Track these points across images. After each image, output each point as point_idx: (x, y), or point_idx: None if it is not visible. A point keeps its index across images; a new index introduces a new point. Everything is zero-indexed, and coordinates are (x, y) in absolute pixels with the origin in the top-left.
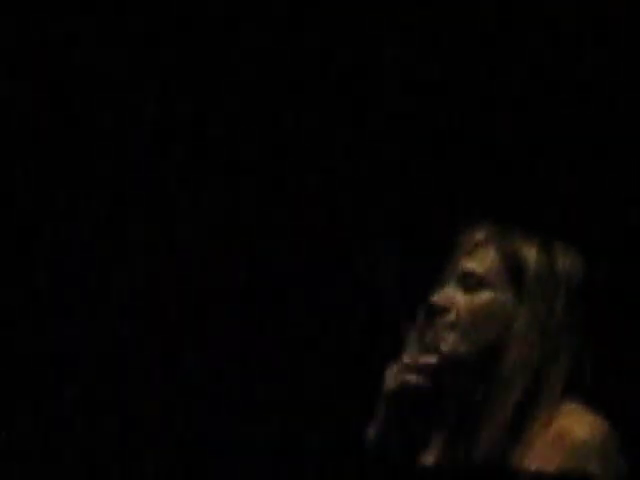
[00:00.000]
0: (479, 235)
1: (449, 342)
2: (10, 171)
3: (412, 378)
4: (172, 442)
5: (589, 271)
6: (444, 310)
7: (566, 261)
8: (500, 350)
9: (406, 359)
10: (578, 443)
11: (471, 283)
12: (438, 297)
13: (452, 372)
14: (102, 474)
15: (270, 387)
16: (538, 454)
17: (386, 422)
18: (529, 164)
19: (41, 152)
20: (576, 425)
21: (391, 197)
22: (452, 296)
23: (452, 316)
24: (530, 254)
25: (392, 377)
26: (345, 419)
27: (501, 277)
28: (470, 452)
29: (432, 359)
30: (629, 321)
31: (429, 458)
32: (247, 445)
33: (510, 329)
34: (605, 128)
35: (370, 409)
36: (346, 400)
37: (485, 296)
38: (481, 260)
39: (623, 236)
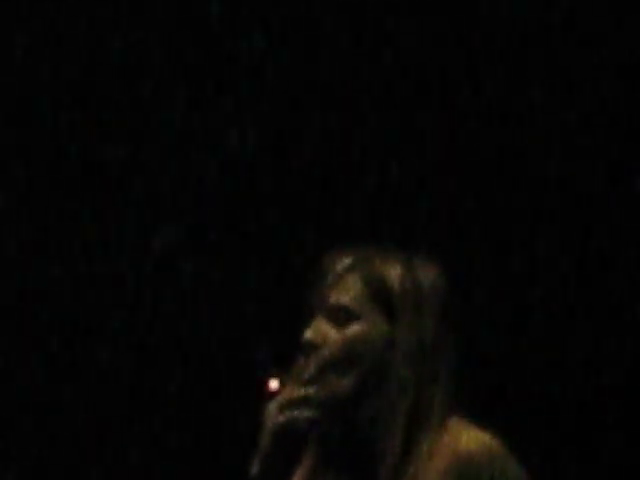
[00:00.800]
0: (340, 265)
1: (327, 380)
2: None
3: (301, 411)
4: None
5: (449, 281)
6: (318, 347)
7: (429, 275)
8: (381, 378)
9: (288, 394)
10: (468, 459)
11: (340, 317)
12: (310, 334)
13: (333, 410)
14: None
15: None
16: (429, 473)
17: (271, 457)
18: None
19: None
20: (464, 442)
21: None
22: (324, 332)
23: (326, 352)
24: (394, 275)
25: (276, 413)
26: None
27: (369, 305)
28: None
29: (313, 390)
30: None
31: None
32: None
33: (387, 355)
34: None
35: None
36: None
37: (356, 328)
38: (346, 291)
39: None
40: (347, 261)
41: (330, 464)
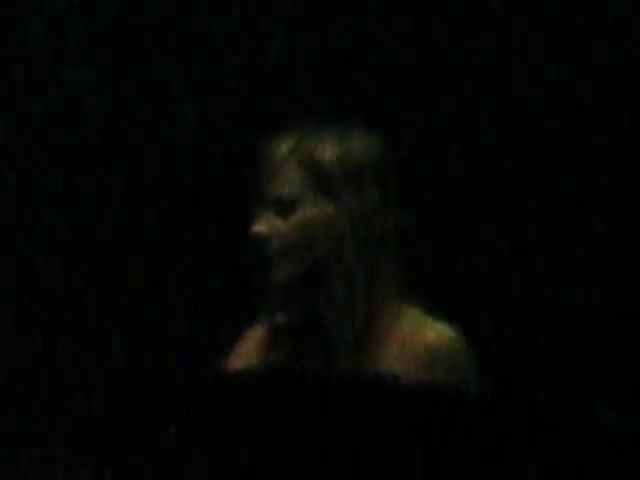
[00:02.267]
0: (277, 152)
1: (281, 267)
2: None
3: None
4: None
5: (392, 150)
6: (269, 239)
7: (366, 148)
8: (333, 261)
9: None
10: (424, 350)
11: (285, 208)
12: (259, 226)
13: (293, 297)
14: None
15: None
16: (386, 361)
17: None
18: None
19: None
20: (421, 332)
21: None
22: (272, 224)
23: (277, 244)
24: (330, 154)
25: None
26: None
27: (311, 190)
28: (324, 357)
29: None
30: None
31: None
32: None
33: (338, 237)
34: None
35: None
36: None
37: (301, 216)
38: (286, 181)
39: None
40: (283, 148)
41: (283, 343)
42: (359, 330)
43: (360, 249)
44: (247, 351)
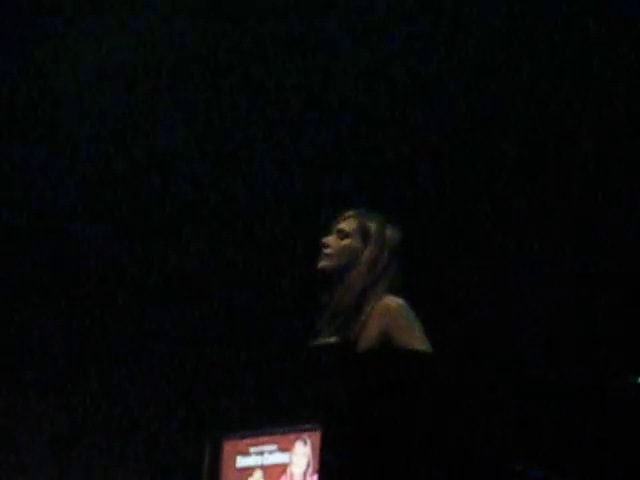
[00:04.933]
0: (349, 213)
1: (324, 261)
2: None
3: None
4: None
5: (404, 237)
6: (326, 246)
7: (391, 231)
8: (351, 269)
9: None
10: (391, 310)
11: (341, 235)
12: (324, 239)
13: (327, 280)
14: None
15: None
16: (371, 325)
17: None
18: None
19: None
20: (388, 302)
21: None
22: (331, 241)
23: (329, 250)
24: (372, 224)
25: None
26: None
27: (356, 233)
28: (345, 331)
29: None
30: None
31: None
32: None
33: (358, 258)
34: None
35: None
36: None
37: (347, 241)
38: (348, 224)
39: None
40: (351, 212)
41: (327, 317)
42: (356, 303)
43: (368, 266)
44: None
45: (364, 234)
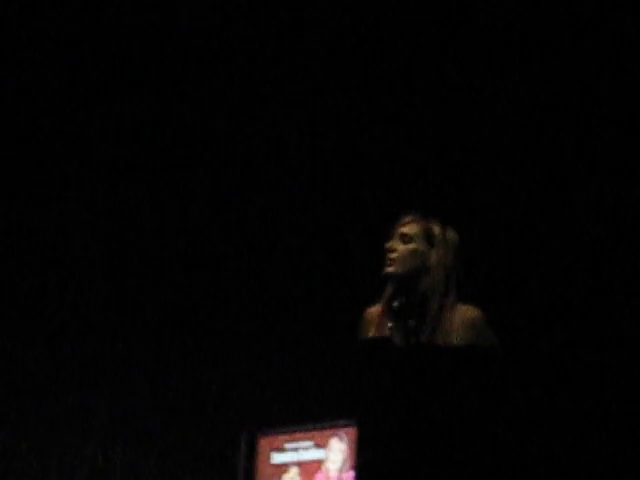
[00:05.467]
0: (409, 217)
1: (393, 267)
2: None
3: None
4: None
5: (462, 239)
6: (392, 251)
7: (451, 233)
8: (421, 273)
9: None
10: (476, 322)
11: (405, 239)
12: (390, 245)
13: (398, 285)
14: None
15: None
16: (455, 334)
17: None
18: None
19: None
20: (471, 313)
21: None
22: (395, 245)
23: (395, 254)
24: (435, 227)
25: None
26: None
27: (420, 237)
28: (418, 335)
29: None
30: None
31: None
32: None
33: (426, 262)
34: None
35: None
36: None
37: (412, 245)
38: (410, 228)
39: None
40: (412, 217)
41: (399, 320)
42: (439, 306)
43: (440, 271)
44: (367, 325)
45: (428, 237)
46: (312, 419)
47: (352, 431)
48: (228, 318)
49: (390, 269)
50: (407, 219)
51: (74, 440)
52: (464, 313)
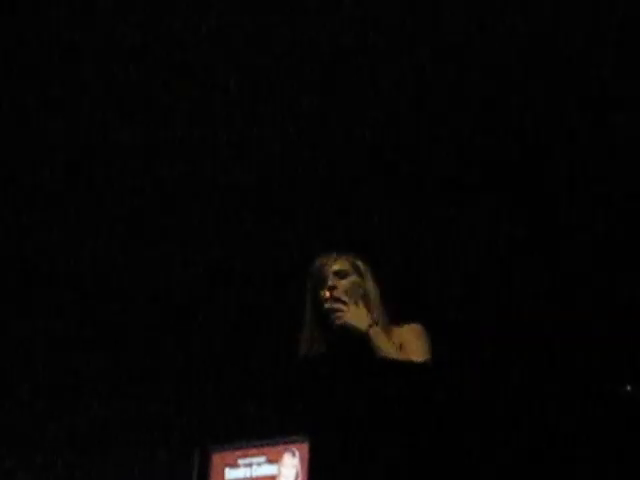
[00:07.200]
0: (332, 256)
1: (343, 314)
2: None
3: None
4: None
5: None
6: (335, 288)
7: (367, 265)
8: (366, 298)
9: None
10: (422, 331)
11: (342, 275)
12: (331, 283)
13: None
14: None
15: None
16: (405, 346)
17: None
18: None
19: None
20: (415, 326)
21: None
22: (335, 282)
23: (339, 291)
24: (357, 259)
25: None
26: None
27: (352, 270)
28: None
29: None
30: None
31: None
32: None
33: (364, 289)
34: None
35: None
36: None
37: (351, 278)
38: (341, 264)
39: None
40: (332, 254)
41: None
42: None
43: (374, 296)
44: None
45: (357, 270)
46: (264, 435)
47: (304, 447)
48: (179, 333)
49: (340, 319)
50: (331, 258)
51: (25, 449)
52: (409, 329)
